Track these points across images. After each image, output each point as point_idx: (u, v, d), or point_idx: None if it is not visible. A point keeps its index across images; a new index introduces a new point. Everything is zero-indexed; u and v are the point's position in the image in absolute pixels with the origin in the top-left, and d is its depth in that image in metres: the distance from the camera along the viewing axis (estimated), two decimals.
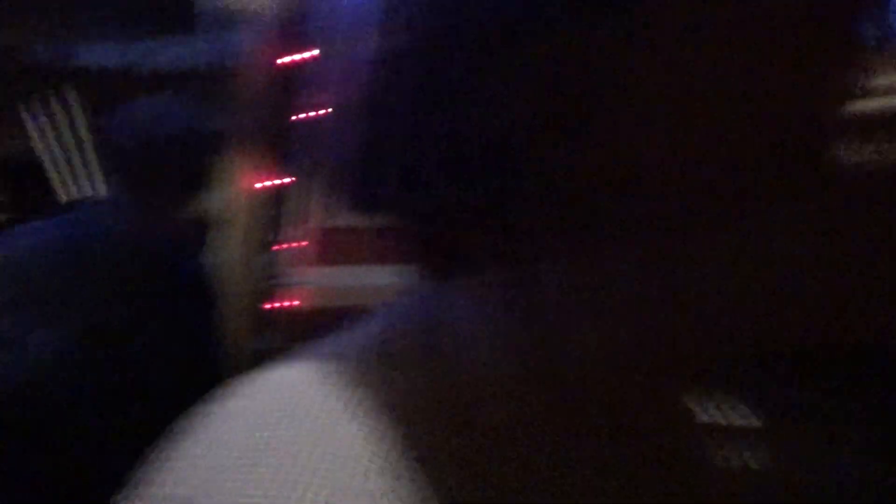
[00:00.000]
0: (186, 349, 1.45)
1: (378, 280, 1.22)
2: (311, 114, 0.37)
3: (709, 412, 0.36)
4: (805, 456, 0.36)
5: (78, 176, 3.88)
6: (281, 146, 2.20)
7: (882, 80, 0.31)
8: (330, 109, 0.35)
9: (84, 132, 3.78)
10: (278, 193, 2.31)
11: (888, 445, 0.36)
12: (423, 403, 0.32)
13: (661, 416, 0.35)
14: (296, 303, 2.29)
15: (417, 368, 0.33)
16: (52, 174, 3.95)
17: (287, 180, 2.27)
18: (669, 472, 0.33)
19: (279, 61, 2.17)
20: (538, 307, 0.32)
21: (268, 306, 2.29)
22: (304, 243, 2.27)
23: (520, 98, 0.28)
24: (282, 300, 2.31)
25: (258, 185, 2.27)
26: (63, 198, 3.92)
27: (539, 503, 0.30)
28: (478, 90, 0.28)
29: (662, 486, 0.33)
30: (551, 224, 0.30)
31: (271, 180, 2.27)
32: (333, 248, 2.23)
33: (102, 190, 2.40)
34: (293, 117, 1.90)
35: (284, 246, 2.31)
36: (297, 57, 2.11)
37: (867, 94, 0.31)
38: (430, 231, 0.34)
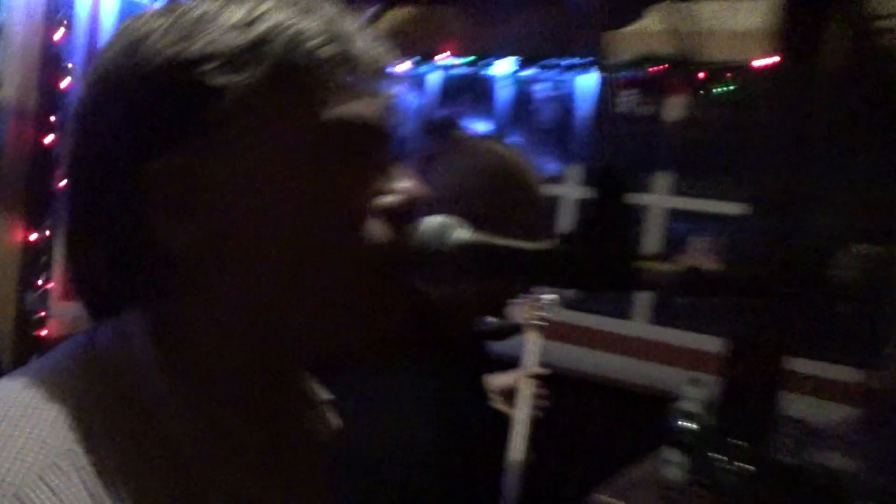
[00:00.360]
0: None
1: None
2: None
3: None
4: None
5: None
6: (43, 208, 2.87)
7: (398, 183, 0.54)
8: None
9: None
10: (40, 244, 2.94)
11: None
12: (103, 404, 0.49)
13: None
14: (47, 332, 2.94)
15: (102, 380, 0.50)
16: None
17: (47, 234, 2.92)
18: None
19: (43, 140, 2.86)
20: None
21: (35, 334, 2.90)
22: (54, 284, 2.94)
23: None
24: (41, 329, 2.93)
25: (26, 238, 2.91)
26: None
27: None
28: None
29: None
30: None
31: (35, 234, 2.92)
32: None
33: None
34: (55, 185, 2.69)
35: (45, 285, 2.94)
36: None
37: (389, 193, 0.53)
38: None
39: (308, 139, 0.51)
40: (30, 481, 0.44)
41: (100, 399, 0.50)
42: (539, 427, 1.82)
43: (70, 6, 2.95)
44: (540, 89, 3.60)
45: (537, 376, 1.61)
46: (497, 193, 1.06)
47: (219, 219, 0.51)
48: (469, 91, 3.83)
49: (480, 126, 3.76)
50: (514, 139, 3.70)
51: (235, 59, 0.49)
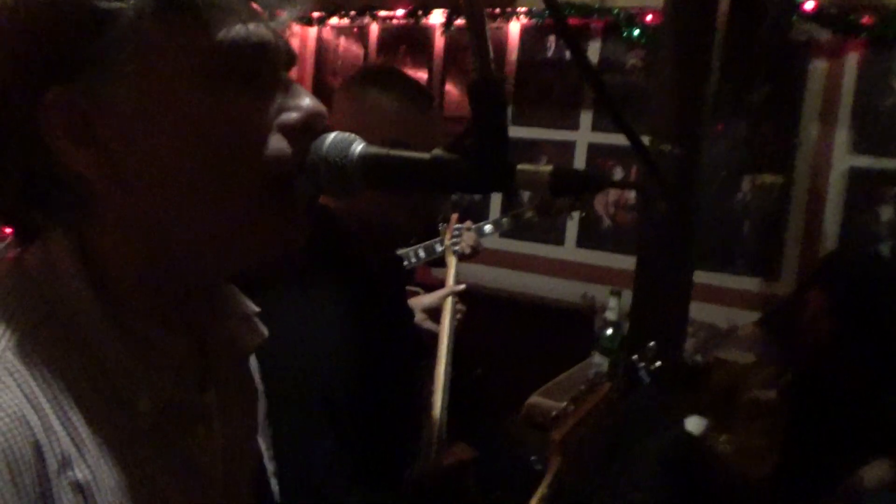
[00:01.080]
0: None
1: None
2: None
3: None
4: None
5: None
6: None
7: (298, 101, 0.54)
8: None
9: None
10: None
11: None
12: (32, 316, 0.49)
13: None
14: None
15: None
16: None
17: None
18: None
19: None
20: None
21: None
22: None
23: None
24: None
25: None
26: None
27: None
28: None
29: None
30: None
31: None
32: None
33: None
34: None
35: None
36: None
37: None
38: None
39: (201, 61, 0.50)
40: None
41: (28, 312, 0.50)
42: (478, 343, 1.88)
43: None
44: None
45: (456, 293, 1.66)
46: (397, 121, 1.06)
47: (118, 142, 0.50)
48: (407, 41, 3.77)
49: (418, 74, 3.72)
50: (451, 85, 3.67)
51: None
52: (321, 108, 0.57)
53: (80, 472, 0.47)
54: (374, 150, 0.57)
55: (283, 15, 0.55)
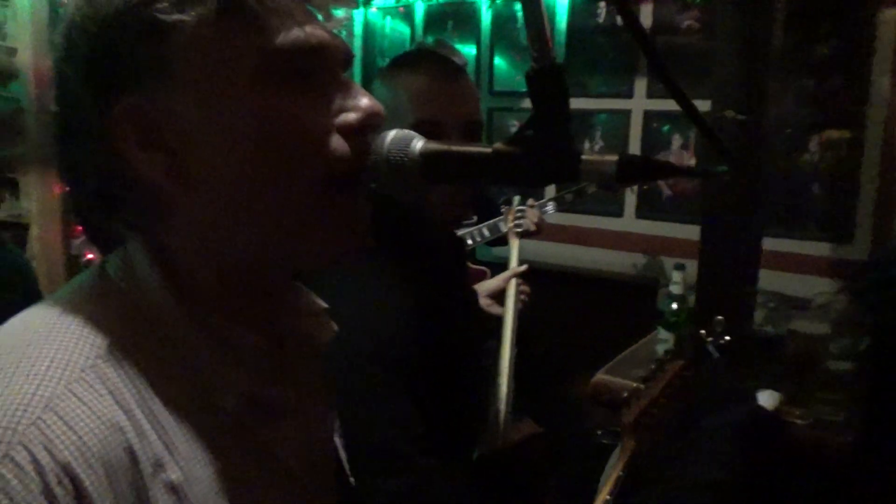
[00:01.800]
0: None
1: None
2: None
3: None
4: None
5: None
6: None
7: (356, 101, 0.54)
8: None
9: None
10: None
11: None
12: (117, 324, 0.50)
13: None
14: None
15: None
16: None
17: None
18: None
19: None
20: None
21: None
22: None
23: None
24: None
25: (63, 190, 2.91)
26: None
27: None
28: None
29: None
30: None
31: None
32: None
33: None
34: None
35: None
36: None
37: None
38: None
39: (261, 65, 0.51)
40: (59, 393, 0.45)
41: (114, 319, 0.51)
42: (540, 319, 1.87)
43: None
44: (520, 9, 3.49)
45: (519, 275, 1.66)
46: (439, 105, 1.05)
47: (186, 147, 0.51)
48: (454, 18, 3.72)
49: (467, 51, 3.67)
50: (500, 60, 3.62)
51: None
52: (379, 107, 0.56)
53: (172, 473, 0.49)
54: (434, 146, 0.56)
55: (339, 15, 0.55)
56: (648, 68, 3.11)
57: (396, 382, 0.94)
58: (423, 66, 1.09)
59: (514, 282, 1.61)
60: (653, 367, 1.16)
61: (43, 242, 2.91)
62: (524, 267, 1.70)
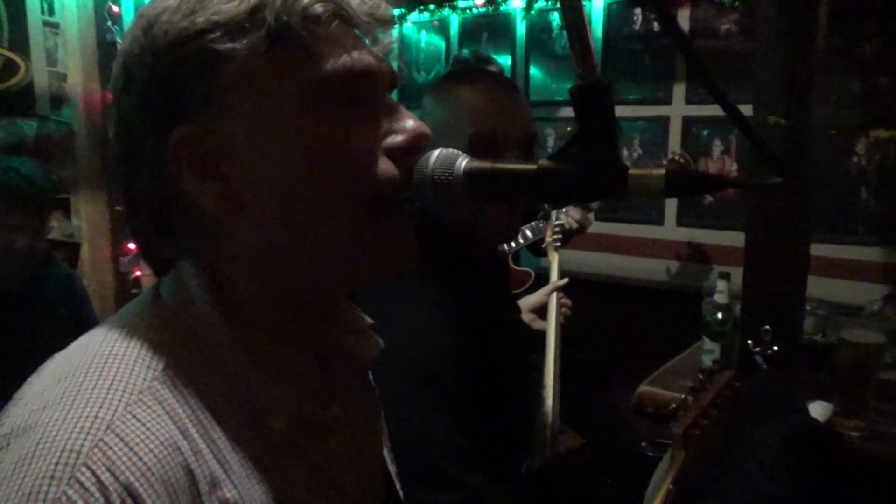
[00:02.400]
0: None
1: None
2: None
3: None
4: None
5: None
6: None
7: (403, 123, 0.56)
8: None
9: None
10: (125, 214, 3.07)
11: None
12: (172, 346, 0.52)
13: None
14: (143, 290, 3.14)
15: None
16: None
17: None
18: None
19: None
20: None
21: (133, 292, 3.04)
22: None
23: None
24: (138, 288, 3.07)
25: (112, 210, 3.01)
26: None
27: None
28: None
29: None
30: None
31: (119, 206, 3.03)
32: None
33: None
34: None
35: (135, 249, 3.08)
36: None
37: None
38: None
39: (310, 92, 0.52)
40: (119, 415, 0.46)
41: (168, 341, 0.53)
42: (582, 330, 1.86)
43: None
44: (555, 18, 3.49)
45: (560, 288, 1.65)
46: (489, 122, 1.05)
47: (238, 174, 0.53)
48: (488, 29, 3.73)
49: (502, 61, 3.68)
50: (535, 69, 3.61)
51: (236, 26, 0.50)
52: (425, 128, 0.57)
53: (228, 492, 0.50)
54: (478, 164, 0.56)
55: (386, 39, 0.56)
56: (688, 74, 3.07)
57: (444, 400, 0.94)
58: (480, 82, 1.10)
59: (555, 296, 1.61)
60: (701, 377, 1.13)
61: (93, 260, 3.00)
62: (565, 280, 1.69)
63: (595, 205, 2.65)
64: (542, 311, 1.61)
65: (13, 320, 1.88)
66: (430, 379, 0.94)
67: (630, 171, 0.51)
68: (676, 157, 2.71)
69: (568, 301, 1.67)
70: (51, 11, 2.81)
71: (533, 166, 0.54)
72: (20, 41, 2.71)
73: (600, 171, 0.52)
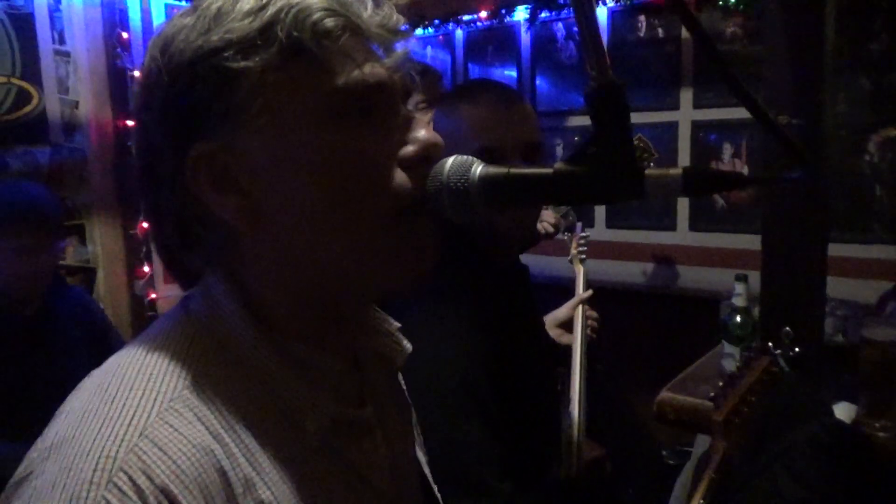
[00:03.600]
0: None
1: None
2: None
3: None
4: None
5: None
6: (135, 205, 2.97)
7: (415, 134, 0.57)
8: None
9: None
10: (139, 237, 3.06)
11: None
12: (202, 356, 0.53)
13: None
14: (159, 312, 3.20)
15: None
16: None
17: (144, 226, 3.04)
18: None
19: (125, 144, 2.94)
20: None
21: (148, 314, 3.06)
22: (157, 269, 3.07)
23: None
24: (153, 310, 3.10)
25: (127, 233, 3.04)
26: None
27: None
28: None
29: None
30: None
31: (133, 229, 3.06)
32: None
33: None
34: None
35: (149, 272, 3.08)
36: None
37: None
38: None
39: (324, 105, 0.52)
40: (152, 421, 0.48)
41: (198, 351, 0.54)
42: (601, 338, 1.85)
43: (126, 23, 3.01)
44: (559, 29, 3.50)
45: (585, 301, 1.64)
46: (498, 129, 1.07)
47: (257, 187, 0.53)
48: (493, 42, 3.75)
49: (507, 73, 3.69)
50: (541, 80, 3.62)
51: (250, 43, 0.51)
52: (437, 139, 0.57)
53: (262, 493, 0.51)
54: (494, 170, 0.56)
55: (399, 50, 0.57)
56: (695, 78, 3.07)
57: (477, 407, 0.95)
58: (481, 96, 1.12)
59: (580, 309, 1.60)
60: (738, 364, 1.12)
61: (109, 285, 3.02)
62: (589, 292, 1.69)
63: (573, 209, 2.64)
64: (568, 325, 1.61)
65: (27, 344, 1.90)
66: (463, 386, 0.94)
67: (647, 172, 0.51)
68: (635, 142, 2.68)
69: (594, 314, 1.66)
70: (61, 41, 2.85)
71: (549, 170, 0.54)
72: (32, 71, 2.75)
73: (617, 172, 0.52)
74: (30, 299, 1.91)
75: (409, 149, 0.56)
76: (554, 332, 1.57)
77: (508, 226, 1.07)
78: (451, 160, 0.57)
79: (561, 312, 1.64)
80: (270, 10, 0.52)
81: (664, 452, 2.80)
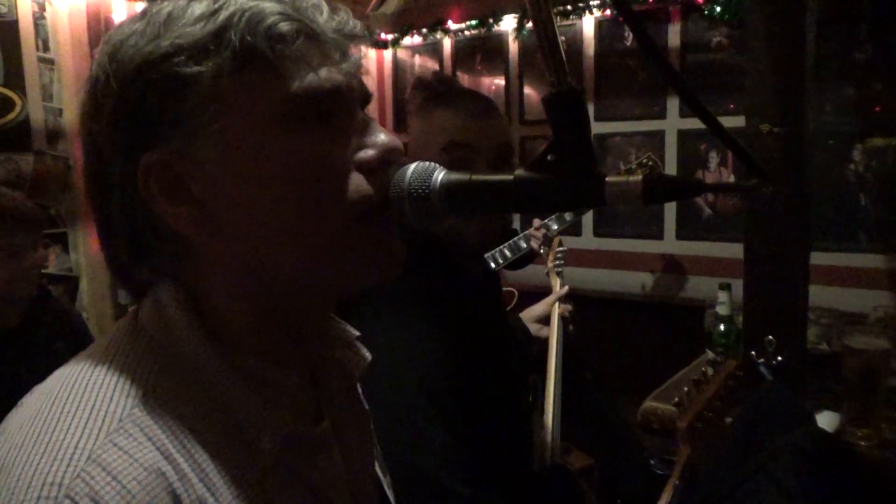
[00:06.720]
0: None
1: None
2: None
3: None
4: None
5: None
6: None
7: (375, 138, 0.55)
8: None
9: None
10: None
11: None
12: (152, 370, 0.51)
13: None
14: None
15: None
16: None
17: None
18: None
19: None
20: None
21: None
22: None
23: None
24: None
25: None
26: None
27: None
28: None
29: None
30: None
31: None
32: None
33: None
34: None
35: None
36: None
37: None
38: None
39: (278, 111, 0.51)
40: (100, 444, 0.45)
41: (149, 367, 0.52)
42: (586, 347, 1.85)
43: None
44: None
45: (563, 298, 1.66)
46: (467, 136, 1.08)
47: (210, 195, 0.52)
48: (481, 51, 3.76)
49: (495, 82, 3.70)
50: (529, 89, 3.63)
51: (201, 48, 0.49)
52: (397, 143, 0.56)
53: None
54: (455, 176, 0.55)
55: (355, 55, 0.55)
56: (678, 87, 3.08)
57: (438, 411, 0.94)
58: (454, 100, 1.14)
59: (557, 305, 1.62)
60: (704, 370, 1.12)
61: (92, 293, 3.00)
62: (566, 289, 1.71)
63: (569, 217, 2.65)
64: (546, 320, 1.63)
65: (8, 357, 1.88)
66: (422, 389, 0.93)
67: (608, 179, 0.50)
68: (644, 161, 2.70)
69: (569, 306, 1.68)
70: (45, 48, 2.83)
71: (510, 177, 0.53)
72: (16, 78, 2.73)
73: (577, 179, 0.51)
74: (13, 307, 1.89)
75: (369, 152, 0.55)
76: (532, 327, 1.59)
77: (473, 231, 1.07)
78: (412, 166, 0.56)
79: (538, 308, 1.66)
80: (223, 15, 0.50)
81: (652, 462, 2.79)
